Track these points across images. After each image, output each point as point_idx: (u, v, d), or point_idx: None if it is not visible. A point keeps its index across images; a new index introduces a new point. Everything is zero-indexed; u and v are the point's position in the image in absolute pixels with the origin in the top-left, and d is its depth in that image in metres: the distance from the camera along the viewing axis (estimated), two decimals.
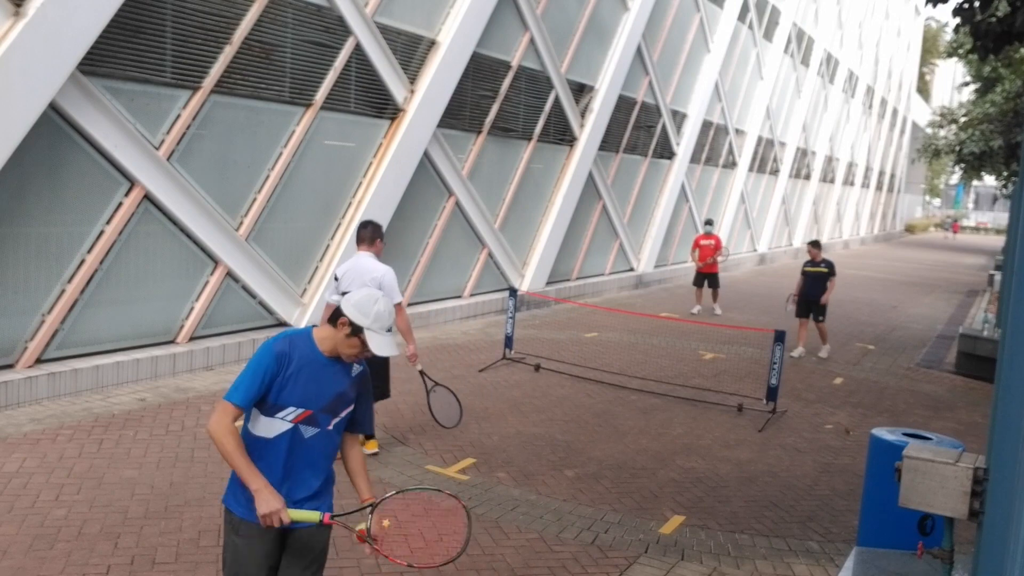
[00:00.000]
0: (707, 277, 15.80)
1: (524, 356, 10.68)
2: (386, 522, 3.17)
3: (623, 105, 17.43)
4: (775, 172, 28.63)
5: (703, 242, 15.91)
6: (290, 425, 3.20)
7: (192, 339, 9.26)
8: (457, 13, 12.17)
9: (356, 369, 3.35)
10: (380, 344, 3.16)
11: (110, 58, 8.03)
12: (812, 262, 12.60)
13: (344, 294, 6.40)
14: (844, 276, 21.60)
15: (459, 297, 13.66)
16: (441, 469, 6.63)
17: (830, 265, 12.50)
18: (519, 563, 5.13)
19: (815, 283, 12.39)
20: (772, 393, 8.81)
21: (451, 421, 7.12)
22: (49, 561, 4.73)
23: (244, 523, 3.22)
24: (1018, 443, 2.48)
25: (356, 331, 3.18)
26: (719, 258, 15.94)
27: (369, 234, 6.67)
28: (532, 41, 14.13)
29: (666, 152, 20.14)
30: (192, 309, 9.25)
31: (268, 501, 3.05)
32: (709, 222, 16.87)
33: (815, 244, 12.79)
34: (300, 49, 10.00)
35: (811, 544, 5.75)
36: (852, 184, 39.60)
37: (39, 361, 7.88)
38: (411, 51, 11.69)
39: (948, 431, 8.64)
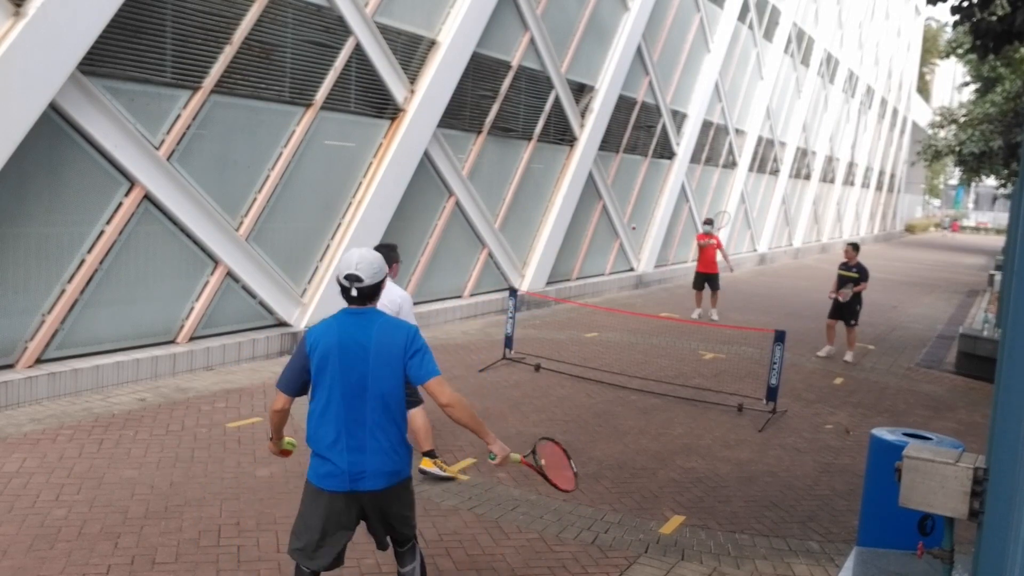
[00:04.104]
0: (707, 279, 15.19)
1: (524, 356, 10.68)
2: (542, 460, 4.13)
3: (623, 105, 17.43)
4: (775, 172, 28.63)
5: (701, 242, 15.29)
6: None
7: (192, 339, 9.26)
8: (457, 13, 12.17)
9: None
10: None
11: (110, 58, 8.03)
12: (846, 265, 12.30)
13: None
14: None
15: (459, 297, 13.66)
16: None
17: (862, 271, 12.23)
18: (519, 563, 5.13)
19: (846, 287, 12.17)
20: (772, 393, 8.81)
21: None
22: (49, 561, 4.73)
23: None
24: (1018, 443, 2.48)
25: None
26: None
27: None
28: (532, 41, 14.13)
29: (666, 152, 20.14)
30: (192, 309, 9.25)
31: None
32: (708, 221, 16.03)
33: (854, 247, 12.41)
34: (300, 49, 10.00)
35: (811, 544, 5.75)
36: (852, 184, 39.59)
37: (39, 361, 7.88)
38: (411, 51, 11.69)
39: (948, 431, 8.64)
